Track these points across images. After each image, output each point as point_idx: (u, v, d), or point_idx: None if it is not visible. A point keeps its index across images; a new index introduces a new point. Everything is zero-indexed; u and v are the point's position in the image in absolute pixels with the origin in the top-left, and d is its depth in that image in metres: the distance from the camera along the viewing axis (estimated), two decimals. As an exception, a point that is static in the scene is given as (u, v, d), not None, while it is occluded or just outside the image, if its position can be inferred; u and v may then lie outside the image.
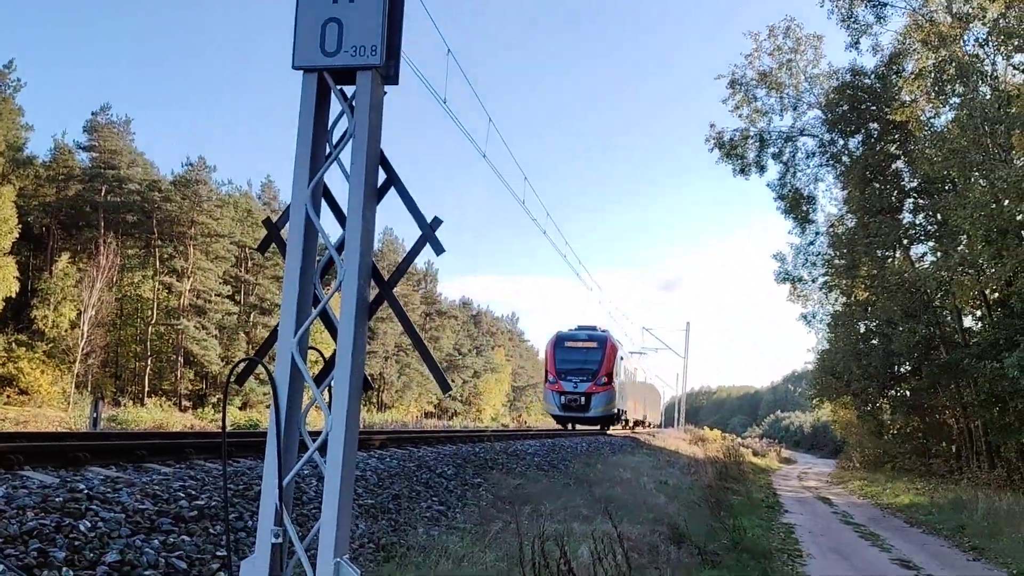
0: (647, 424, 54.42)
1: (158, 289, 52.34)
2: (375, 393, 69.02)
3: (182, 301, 52.21)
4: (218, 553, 6.43)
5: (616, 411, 36.38)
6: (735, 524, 12.53)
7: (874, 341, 32.03)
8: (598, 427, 35.85)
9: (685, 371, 70.42)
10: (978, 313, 28.03)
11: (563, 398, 34.20)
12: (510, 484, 13.62)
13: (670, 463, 24.64)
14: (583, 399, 33.90)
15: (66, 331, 43.47)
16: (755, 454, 52.98)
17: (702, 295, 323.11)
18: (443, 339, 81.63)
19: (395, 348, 71.04)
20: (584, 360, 34.43)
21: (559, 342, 35.39)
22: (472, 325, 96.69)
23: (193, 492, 7.54)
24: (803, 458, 72.65)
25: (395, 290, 3.78)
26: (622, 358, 38.17)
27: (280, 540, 3.42)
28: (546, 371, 36.35)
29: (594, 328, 36.70)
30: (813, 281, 37.40)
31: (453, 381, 74.50)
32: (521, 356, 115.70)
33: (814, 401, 42.79)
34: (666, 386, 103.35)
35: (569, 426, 35.77)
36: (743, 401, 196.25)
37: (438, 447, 15.85)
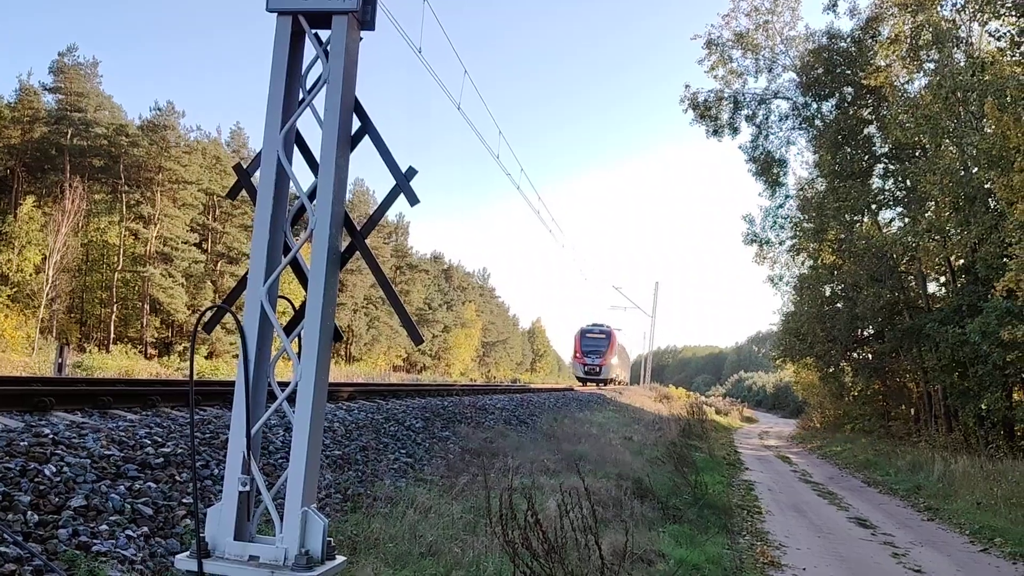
0: (619, 381, 64.33)
1: (124, 235, 51.61)
2: (344, 345, 68.93)
3: (149, 248, 51.59)
4: (184, 500, 6.43)
5: (613, 375, 57.95)
6: (697, 480, 12.74)
7: (839, 304, 32.42)
8: (603, 382, 55.79)
9: (652, 330, 71.00)
10: (942, 279, 28.42)
11: (585, 368, 56.83)
12: (478, 438, 13.76)
13: (635, 420, 24.98)
14: (598, 368, 56.44)
15: (31, 276, 42.86)
16: (718, 412, 53.93)
17: (671, 255, 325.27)
18: (414, 293, 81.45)
19: (364, 301, 70.88)
20: (597, 344, 57.21)
21: (583, 333, 58.32)
22: (443, 279, 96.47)
23: (159, 439, 7.51)
24: (765, 418, 73.96)
25: (366, 241, 3.74)
26: (619, 342, 60.99)
27: (247, 488, 3.41)
28: (574, 350, 59.17)
29: (604, 325, 59.79)
30: (781, 244, 37.67)
31: (423, 335, 74.71)
32: (491, 312, 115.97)
33: (777, 362, 43.23)
34: (633, 344, 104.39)
35: (585, 384, 54.64)
36: (708, 361, 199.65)
37: (407, 400, 15.91)
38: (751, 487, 16.30)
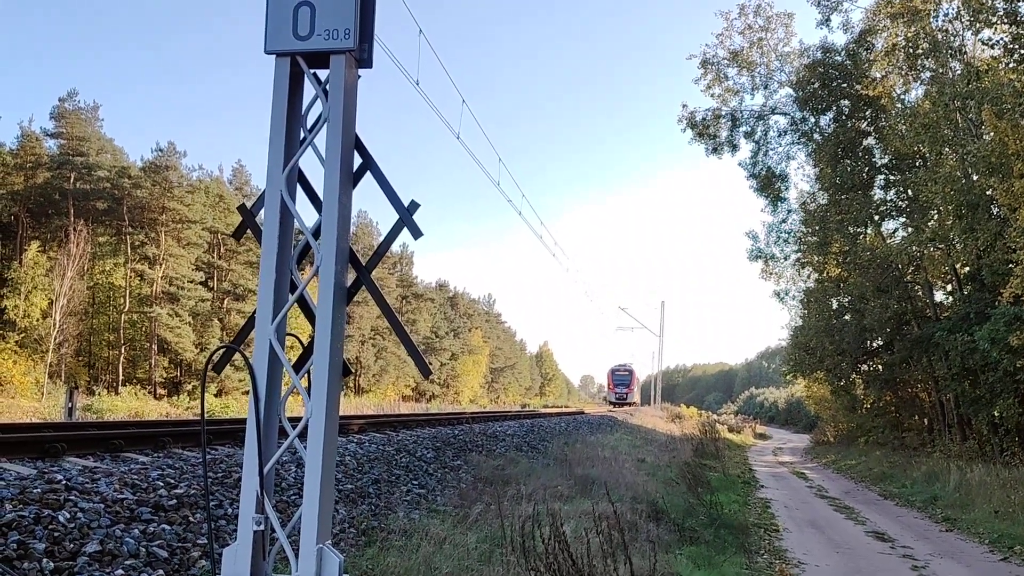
0: (631, 403, 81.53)
1: (130, 276, 51.82)
2: (352, 377, 68.95)
3: (155, 288, 51.75)
4: (199, 541, 6.42)
5: (635, 400, 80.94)
6: (712, 500, 12.68)
7: (847, 317, 32.33)
8: (628, 405, 75.60)
9: (660, 349, 71.51)
10: (949, 287, 28.35)
11: (616, 395, 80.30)
12: (490, 465, 13.73)
13: (648, 441, 24.89)
14: (625, 395, 79.83)
15: (38, 321, 42.97)
16: (731, 430, 53.79)
17: (677, 274, 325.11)
18: (420, 322, 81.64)
19: (371, 332, 70.90)
20: (624, 379, 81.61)
21: (613, 371, 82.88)
22: (449, 307, 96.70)
23: (172, 481, 7.52)
24: (778, 433, 73.50)
25: (371, 274, 3.77)
26: (637, 377, 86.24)
27: (262, 527, 3.42)
28: (608, 384, 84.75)
29: (628, 364, 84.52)
30: (786, 258, 37.62)
31: (431, 364, 74.57)
32: (498, 337, 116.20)
33: (788, 377, 43.08)
34: (641, 366, 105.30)
35: (614, 407, 69.85)
36: (718, 378, 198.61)
37: (417, 430, 15.90)
38: (767, 505, 16.21)
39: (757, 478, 22.14)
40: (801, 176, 56.84)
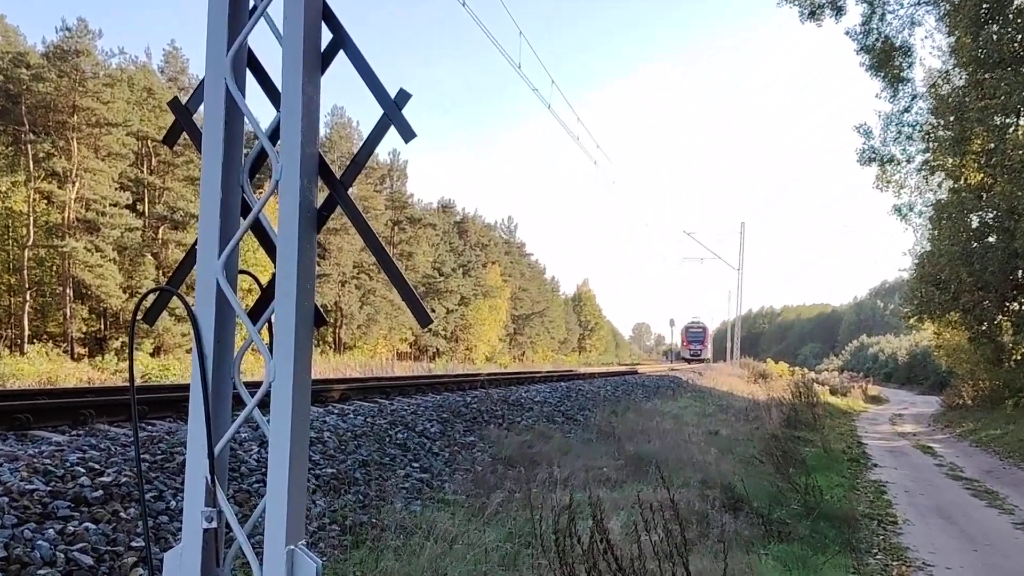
0: (704, 360, 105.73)
1: (34, 199, 52.12)
2: (331, 330, 69.43)
3: (67, 215, 52.06)
4: (134, 544, 6.53)
5: (707, 356, 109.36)
6: (809, 484, 12.74)
7: (991, 239, 32.07)
8: (702, 361, 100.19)
9: (740, 287, 71.22)
10: None
11: (691, 352, 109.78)
12: (514, 442, 13.88)
13: (722, 408, 25.13)
14: (700, 351, 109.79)
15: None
16: (833, 392, 54.12)
17: (761, 189, 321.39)
18: (418, 255, 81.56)
19: (355, 270, 71.15)
20: (698, 336, 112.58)
21: (687, 329, 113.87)
22: (456, 235, 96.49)
23: (96, 466, 7.63)
24: (897, 395, 73.67)
25: (351, 190, 3.75)
26: (710, 332, 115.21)
27: (214, 524, 3.45)
28: (682, 341, 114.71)
29: (700, 320, 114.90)
30: (909, 161, 37.23)
31: (434, 311, 74.88)
32: (522, 276, 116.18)
33: (911, 321, 42.87)
34: (713, 311, 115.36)
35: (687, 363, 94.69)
36: (817, 324, 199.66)
37: (417, 397, 16.04)
38: (882, 489, 16.31)
39: (868, 454, 22.23)
40: (930, 49, 56.08)
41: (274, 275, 3.48)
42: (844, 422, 33.55)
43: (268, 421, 3.42)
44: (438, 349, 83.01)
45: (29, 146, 52.24)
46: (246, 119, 3.65)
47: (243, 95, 3.63)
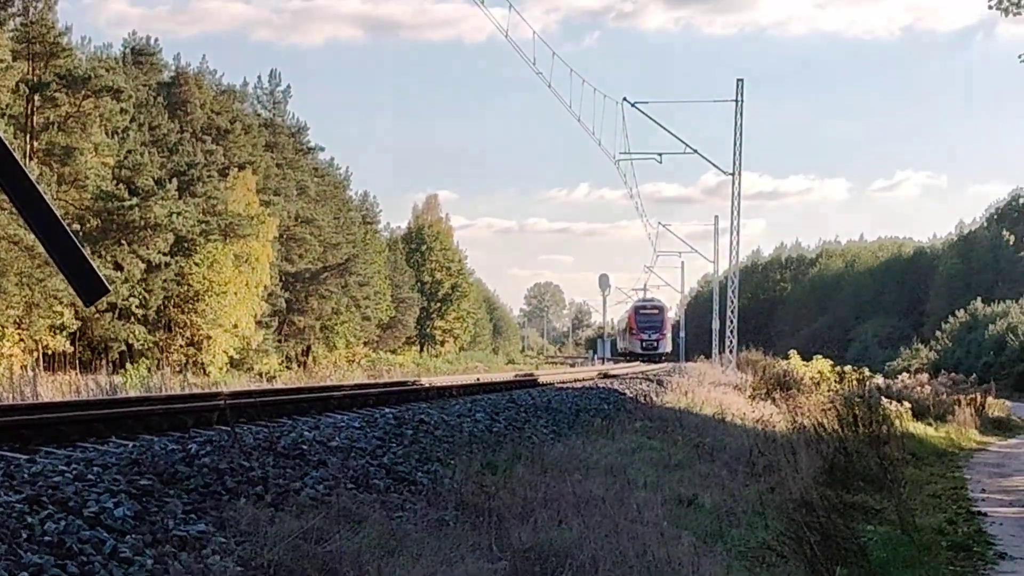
0: (662, 354, 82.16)
1: None
2: None
3: None
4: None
5: (665, 348, 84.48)
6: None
7: None
8: (659, 358, 78.32)
9: (736, 204, 49.37)
10: None
11: (643, 344, 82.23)
12: (287, 531, 8.83)
13: (703, 450, 17.36)
14: (656, 342, 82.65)
15: None
16: (920, 414, 34.00)
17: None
18: (85, 154, 43.67)
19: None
20: (653, 320, 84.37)
21: (637, 309, 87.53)
22: (163, 111, 54.19)
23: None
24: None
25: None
26: (669, 317, 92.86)
27: None
28: (629, 324, 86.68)
29: (657, 300, 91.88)
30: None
31: (117, 273, 41.44)
32: (302, 192, 67.65)
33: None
34: (687, 254, 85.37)
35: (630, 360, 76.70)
36: (885, 278, 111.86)
37: (89, 446, 10.82)
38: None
39: (988, 533, 14.63)
40: None
41: None
42: (941, 471, 23.83)
43: None
44: (130, 347, 45.53)
45: None
46: None
47: None
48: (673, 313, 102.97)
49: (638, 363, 69.54)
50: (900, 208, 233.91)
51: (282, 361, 57.75)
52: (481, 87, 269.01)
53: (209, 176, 51.33)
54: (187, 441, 10.68)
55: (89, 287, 2.86)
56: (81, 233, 40.77)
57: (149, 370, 38.73)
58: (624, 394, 27.22)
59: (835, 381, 40.48)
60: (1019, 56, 27.04)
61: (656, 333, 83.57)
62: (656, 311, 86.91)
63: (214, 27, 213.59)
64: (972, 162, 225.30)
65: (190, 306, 48.57)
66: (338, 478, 10.05)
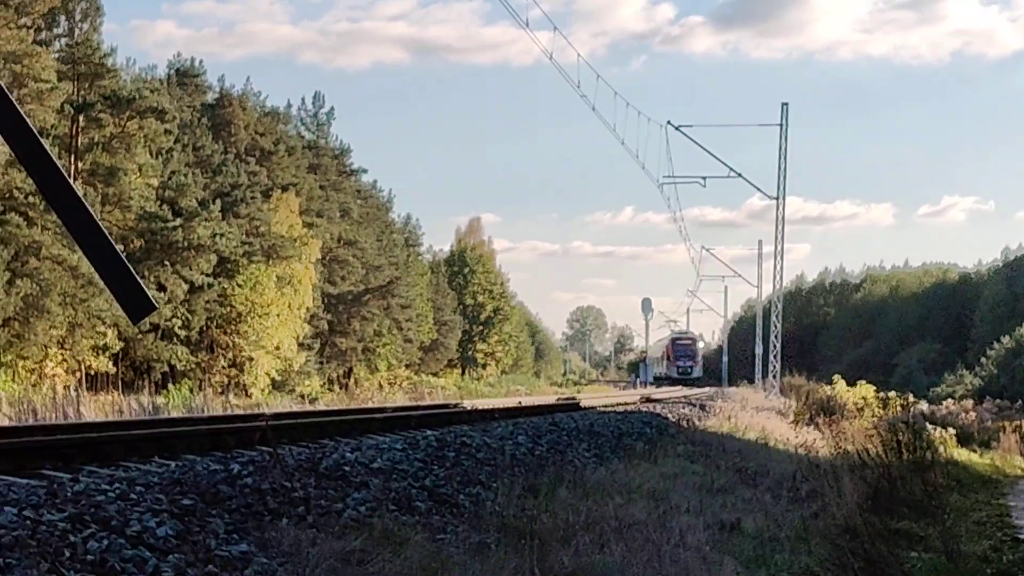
0: (696, 379, 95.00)
1: None
2: None
3: None
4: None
5: (698, 374, 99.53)
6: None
7: None
8: (694, 382, 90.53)
9: (780, 229, 49.03)
10: None
11: (679, 369, 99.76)
12: (328, 552, 8.36)
13: (746, 475, 17.11)
14: (690, 368, 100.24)
15: None
16: (965, 441, 35.97)
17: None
18: (129, 175, 43.07)
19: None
20: (687, 350, 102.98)
21: (674, 341, 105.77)
22: (207, 132, 53.93)
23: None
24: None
25: None
26: (700, 345, 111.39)
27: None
28: (667, 354, 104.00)
29: (691, 332, 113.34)
30: None
31: (163, 292, 40.94)
32: (345, 214, 66.94)
33: None
34: (731, 278, 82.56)
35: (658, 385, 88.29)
36: (931, 304, 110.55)
37: (131, 465, 10.63)
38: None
39: None
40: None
41: None
42: (986, 498, 23.02)
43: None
44: (172, 368, 45.04)
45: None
46: None
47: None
48: (708, 341, 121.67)
49: (680, 387, 79.05)
50: (946, 234, 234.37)
51: (324, 383, 56.98)
52: (526, 110, 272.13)
53: (252, 197, 51.50)
54: (229, 461, 10.43)
55: (136, 305, 2.87)
56: (124, 253, 37.05)
57: (191, 391, 38.27)
58: (667, 418, 27.25)
59: (879, 407, 40.39)
60: None
61: (690, 360, 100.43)
62: (690, 342, 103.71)
63: (261, 49, 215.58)
64: (1020, 187, 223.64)
65: (233, 327, 48.61)
66: (380, 500, 9.86)
